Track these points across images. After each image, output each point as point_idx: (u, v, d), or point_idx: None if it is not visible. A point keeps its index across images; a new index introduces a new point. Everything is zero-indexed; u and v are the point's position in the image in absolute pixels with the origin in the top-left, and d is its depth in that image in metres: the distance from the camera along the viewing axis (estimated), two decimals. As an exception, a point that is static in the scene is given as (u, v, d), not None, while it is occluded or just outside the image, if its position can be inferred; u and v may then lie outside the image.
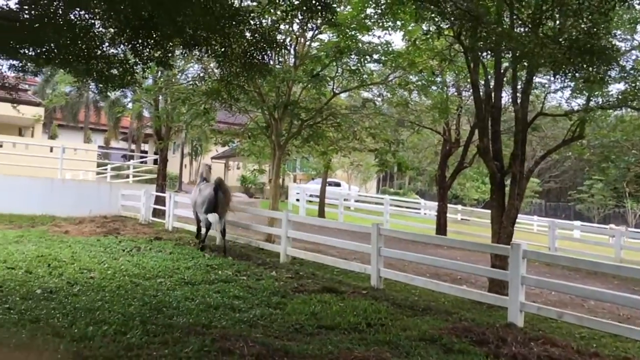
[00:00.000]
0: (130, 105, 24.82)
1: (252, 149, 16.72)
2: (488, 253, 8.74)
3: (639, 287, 11.06)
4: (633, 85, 8.98)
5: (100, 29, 6.61)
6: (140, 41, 6.29)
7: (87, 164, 23.92)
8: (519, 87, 8.94)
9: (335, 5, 8.85)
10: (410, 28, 11.60)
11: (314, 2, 6.43)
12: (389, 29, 11.54)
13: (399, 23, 11.31)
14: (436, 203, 18.51)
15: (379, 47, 11.96)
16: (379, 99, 14.88)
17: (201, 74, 12.43)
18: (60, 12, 6.11)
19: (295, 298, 7.26)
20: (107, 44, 6.71)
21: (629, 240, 18.47)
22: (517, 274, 6.81)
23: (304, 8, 6.60)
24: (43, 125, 31.06)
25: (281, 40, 8.73)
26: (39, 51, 6.50)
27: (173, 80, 15.39)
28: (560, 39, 6.99)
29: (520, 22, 7.93)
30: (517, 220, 9.43)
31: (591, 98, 9.91)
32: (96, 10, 6.18)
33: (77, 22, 6.31)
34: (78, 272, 8.17)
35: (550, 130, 17.41)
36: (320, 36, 12.72)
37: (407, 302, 7.65)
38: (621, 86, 9.39)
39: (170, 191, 17.84)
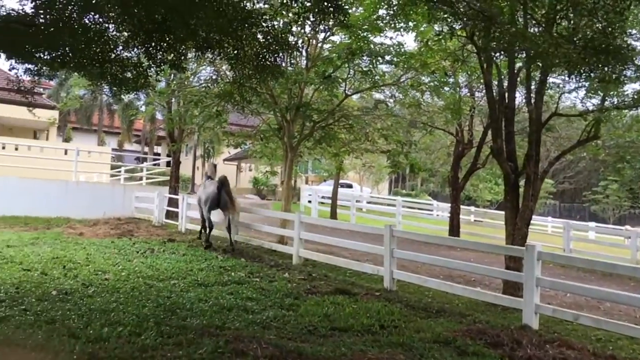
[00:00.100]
0: (143, 108, 25.06)
1: (264, 151, 16.77)
2: (502, 255, 8.69)
3: (656, 289, 10.92)
4: (649, 84, 8.89)
5: (115, 32, 6.68)
6: (153, 44, 6.34)
7: (101, 166, 24.18)
8: (532, 87, 8.86)
9: (347, 7, 8.86)
10: (422, 29, 11.55)
11: (326, 3, 6.42)
12: (401, 30, 11.51)
13: (411, 24, 11.27)
14: (449, 204, 18.42)
15: (391, 48, 11.91)
16: (391, 100, 14.83)
17: (214, 77, 12.52)
18: (75, 16, 6.17)
19: (308, 300, 7.25)
20: (121, 47, 6.78)
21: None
22: (532, 276, 6.74)
23: (316, 10, 6.59)
24: (57, 128, 31.47)
25: (293, 42, 8.72)
26: (54, 55, 6.58)
27: (186, 82, 15.47)
28: (575, 39, 6.92)
29: (534, 22, 7.87)
30: (531, 221, 9.34)
31: (606, 98, 9.80)
32: (110, 14, 6.24)
33: (92, 26, 6.38)
34: (93, 273, 8.26)
35: (564, 130, 17.19)
36: (332, 38, 12.72)
37: (420, 304, 7.62)
38: (637, 86, 9.34)
39: (183, 193, 17.93)
